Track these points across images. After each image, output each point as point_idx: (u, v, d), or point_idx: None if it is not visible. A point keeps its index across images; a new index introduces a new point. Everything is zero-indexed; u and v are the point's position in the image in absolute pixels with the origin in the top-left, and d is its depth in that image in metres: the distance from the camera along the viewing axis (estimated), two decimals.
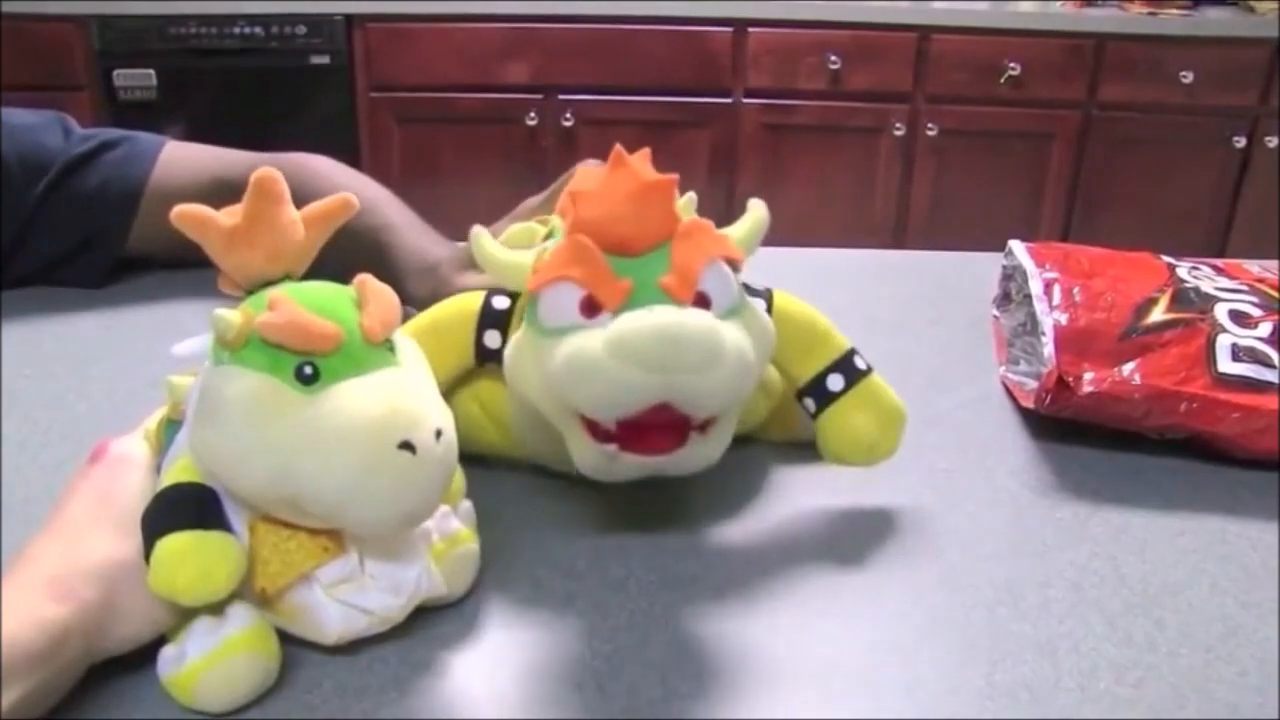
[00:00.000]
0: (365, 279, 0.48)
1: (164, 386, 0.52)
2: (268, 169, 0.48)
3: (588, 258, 0.51)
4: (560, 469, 0.64)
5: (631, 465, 0.53)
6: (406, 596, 0.50)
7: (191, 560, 0.45)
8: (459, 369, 0.61)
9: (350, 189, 0.89)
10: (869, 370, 0.63)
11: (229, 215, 0.48)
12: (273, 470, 0.45)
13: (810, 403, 0.63)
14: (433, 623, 0.52)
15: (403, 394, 0.46)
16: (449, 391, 0.61)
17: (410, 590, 0.50)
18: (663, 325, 0.49)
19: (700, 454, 0.54)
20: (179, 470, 0.48)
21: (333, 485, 0.45)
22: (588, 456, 0.54)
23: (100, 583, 0.46)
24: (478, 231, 0.55)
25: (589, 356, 0.49)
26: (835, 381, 0.62)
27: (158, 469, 0.51)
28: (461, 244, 0.84)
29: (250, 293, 0.49)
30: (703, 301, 0.52)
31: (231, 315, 0.45)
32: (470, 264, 0.74)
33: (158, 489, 0.48)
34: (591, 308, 0.51)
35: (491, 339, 0.60)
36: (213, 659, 0.46)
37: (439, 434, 0.46)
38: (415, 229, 0.84)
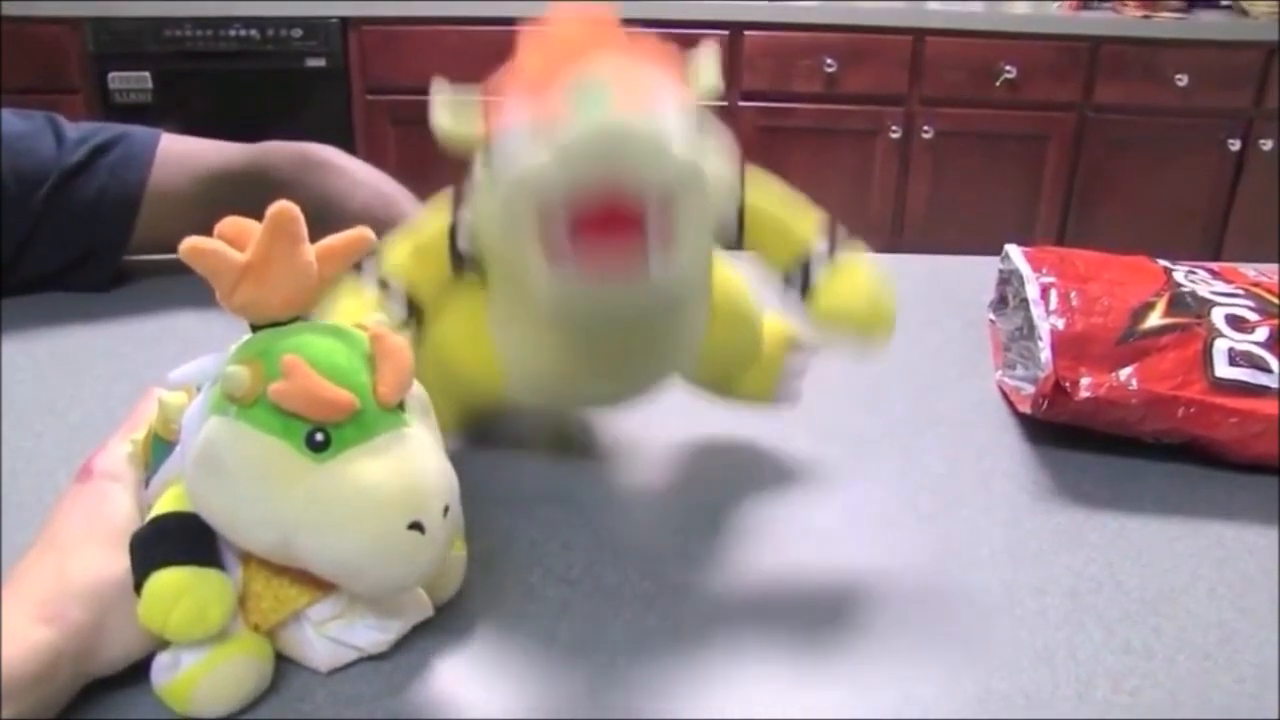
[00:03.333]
0: (382, 335, 0.47)
1: (161, 400, 0.51)
2: (286, 204, 0.45)
3: (535, 90, 0.50)
4: (542, 392, 0.63)
5: (593, 293, 0.51)
6: (394, 632, 0.50)
7: (186, 598, 0.44)
8: (441, 281, 0.60)
9: (365, 181, 0.89)
10: (843, 242, 0.61)
11: (237, 236, 0.46)
12: (277, 537, 0.44)
13: (795, 283, 0.61)
14: (426, 631, 0.52)
15: (414, 469, 0.45)
16: (433, 311, 0.61)
17: (400, 626, 0.50)
18: (603, 119, 0.47)
19: (663, 275, 0.51)
20: (172, 499, 0.47)
21: (338, 559, 0.44)
22: (548, 287, 0.51)
23: (90, 603, 0.45)
24: (437, 99, 0.54)
25: (533, 166, 0.48)
26: (816, 260, 0.60)
27: (145, 482, 0.50)
28: None
29: (256, 328, 0.47)
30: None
31: (242, 373, 0.44)
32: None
33: (149, 514, 0.48)
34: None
35: (468, 268, 0.59)
36: (208, 664, 0.46)
37: (446, 510, 0.46)
38: None
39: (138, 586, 0.45)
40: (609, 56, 0.51)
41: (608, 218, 0.48)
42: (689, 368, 0.65)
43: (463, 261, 0.60)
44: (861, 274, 0.61)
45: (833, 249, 0.61)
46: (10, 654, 0.42)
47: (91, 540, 0.47)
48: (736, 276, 0.64)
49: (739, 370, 0.67)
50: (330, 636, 0.48)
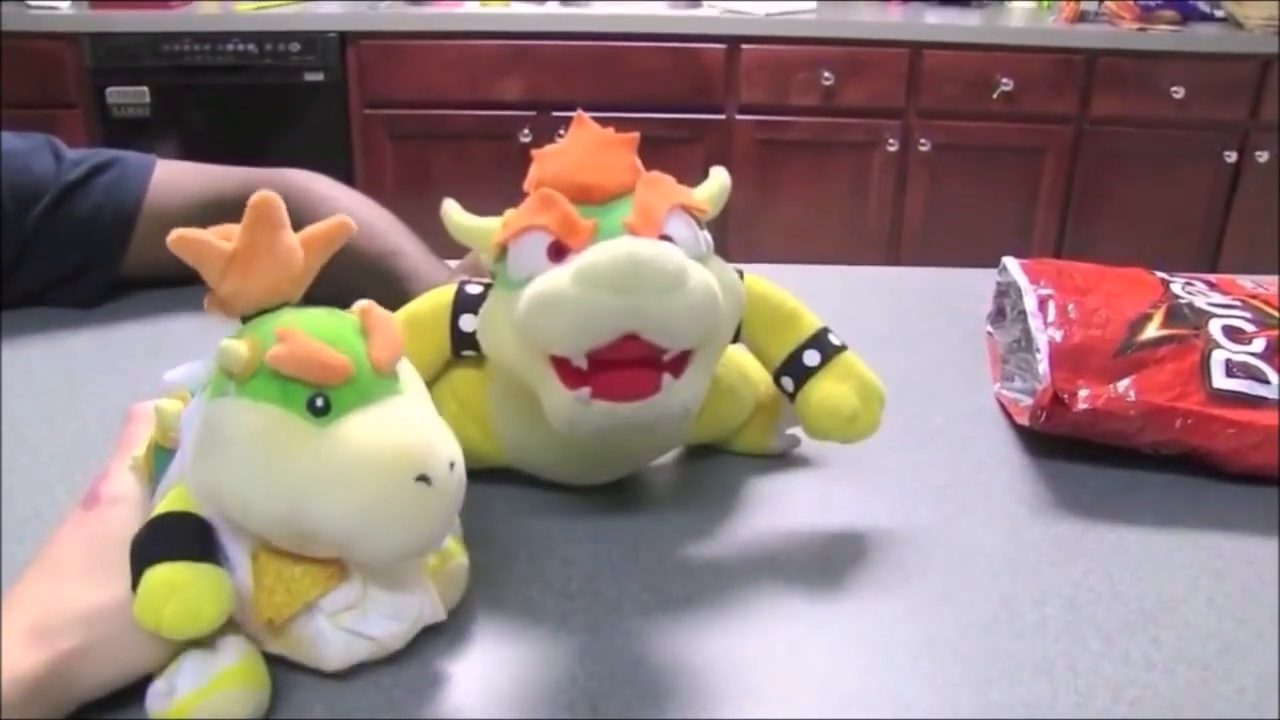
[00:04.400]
0: (369, 307, 0.48)
1: (154, 411, 0.51)
2: (267, 193, 0.47)
3: (553, 205, 0.52)
4: (540, 470, 0.64)
5: (604, 412, 0.52)
6: (409, 623, 0.49)
7: (180, 594, 0.44)
8: (437, 361, 0.61)
9: (352, 211, 0.89)
10: (844, 346, 0.63)
11: (223, 234, 0.47)
12: (286, 505, 0.44)
13: (788, 381, 0.63)
14: (425, 644, 0.52)
15: (416, 426, 0.46)
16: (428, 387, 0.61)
17: (413, 617, 0.50)
18: (627, 249, 0.49)
19: (674, 399, 0.53)
20: (172, 499, 0.47)
21: (348, 519, 0.44)
22: (560, 405, 0.53)
23: (79, 630, 0.45)
24: (447, 204, 0.56)
25: (555, 289, 0.50)
26: (811, 357, 0.62)
27: (152, 494, 0.50)
28: (454, 261, 0.85)
29: (245, 319, 0.48)
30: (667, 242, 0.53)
31: (239, 346, 0.44)
32: (473, 272, 0.74)
33: (149, 517, 0.48)
34: (559, 252, 0.52)
35: (466, 323, 0.60)
36: (203, 693, 0.45)
37: (452, 465, 0.46)
38: (424, 255, 0.84)
39: (136, 586, 0.45)
40: (623, 179, 0.54)
41: (626, 350, 0.50)
42: (682, 442, 0.68)
43: (463, 344, 0.60)
44: (849, 375, 0.62)
45: (824, 353, 0.62)
46: None
47: (88, 565, 0.47)
48: (725, 349, 0.65)
49: (732, 434, 0.69)
50: (345, 628, 0.48)
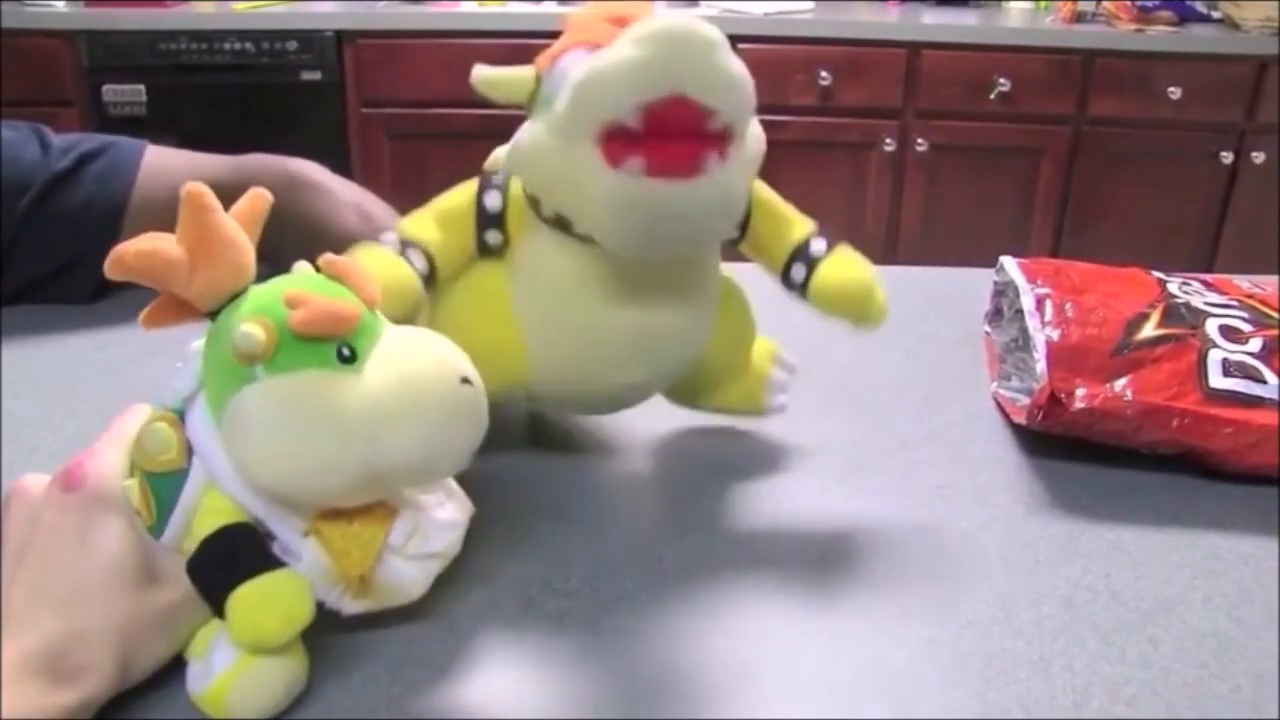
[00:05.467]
0: (329, 259, 0.48)
1: (152, 436, 0.47)
2: (194, 184, 0.45)
3: (589, 25, 0.54)
4: (564, 381, 0.62)
5: (655, 196, 0.52)
6: (460, 526, 0.52)
7: (272, 605, 0.46)
8: (464, 252, 0.61)
9: (346, 198, 0.89)
10: (841, 240, 0.64)
11: (150, 240, 0.45)
12: (363, 450, 0.44)
13: (799, 268, 0.63)
14: (424, 644, 0.52)
15: (431, 344, 0.48)
16: (450, 291, 0.62)
17: (460, 518, 0.52)
18: (675, 15, 0.50)
19: (720, 182, 0.53)
20: (212, 513, 0.47)
21: (423, 439, 0.45)
22: (611, 188, 0.52)
23: (113, 653, 0.44)
24: (477, 67, 0.57)
25: (610, 55, 0.50)
26: (818, 245, 0.63)
27: (154, 531, 0.48)
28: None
29: (213, 315, 0.47)
30: None
31: (255, 330, 0.44)
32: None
33: (199, 536, 0.47)
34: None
35: (493, 237, 0.60)
36: (240, 667, 0.46)
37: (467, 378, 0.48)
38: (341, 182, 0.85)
39: (219, 611, 0.46)
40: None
41: (675, 115, 0.50)
42: (700, 353, 0.65)
43: (488, 228, 0.60)
44: (856, 260, 0.63)
45: (829, 241, 0.63)
46: None
47: (102, 581, 0.45)
48: (738, 287, 0.67)
49: (730, 378, 0.69)
50: (413, 555, 0.50)
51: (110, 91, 2.47)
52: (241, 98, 2.50)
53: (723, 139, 0.52)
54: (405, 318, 0.55)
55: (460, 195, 0.61)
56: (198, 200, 0.45)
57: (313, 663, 0.49)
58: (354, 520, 0.48)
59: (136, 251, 0.44)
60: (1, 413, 0.72)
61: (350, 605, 0.50)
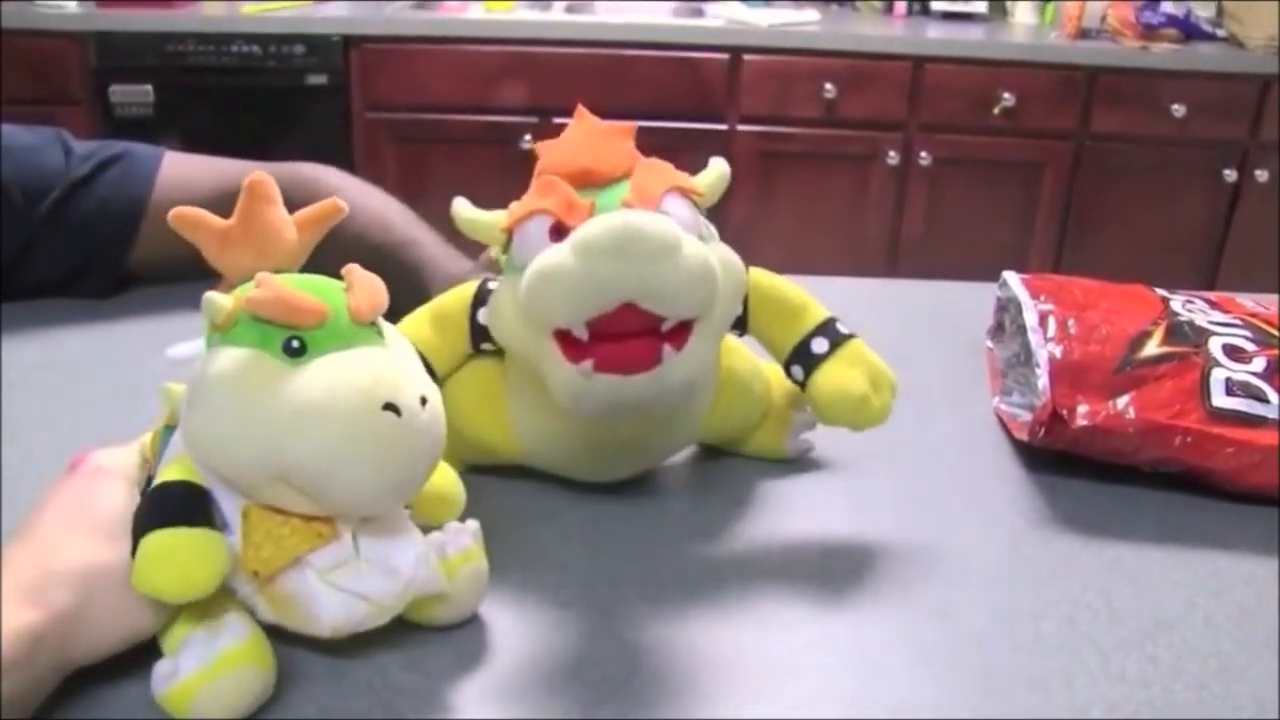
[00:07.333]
0: (352, 268, 0.49)
1: (161, 394, 0.52)
2: (260, 173, 0.49)
3: (553, 189, 0.54)
4: (554, 466, 0.65)
5: (607, 386, 0.53)
6: (404, 582, 0.49)
7: (174, 559, 0.45)
8: (459, 353, 0.63)
9: (364, 203, 0.89)
10: (852, 335, 0.64)
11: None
12: (263, 444, 0.45)
13: (798, 370, 0.63)
14: (420, 649, 0.52)
15: (386, 363, 0.47)
16: (449, 380, 0.63)
17: (408, 575, 0.49)
18: (621, 218, 0.50)
19: (675, 372, 0.53)
20: (171, 469, 0.49)
21: (319, 452, 0.45)
22: (564, 382, 0.54)
23: (74, 588, 0.46)
24: (457, 201, 0.59)
25: (555, 263, 0.51)
26: (819, 344, 0.63)
27: (149, 480, 0.50)
28: (471, 263, 0.85)
29: None
30: None
31: (220, 297, 0.46)
32: (490, 269, 0.75)
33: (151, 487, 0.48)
34: (560, 233, 0.53)
35: (484, 315, 0.61)
36: (208, 673, 0.46)
37: (424, 401, 0.47)
38: (438, 244, 0.85)
39: (135, 554, 0.46)
40: (621, 164, 0.56)
41: (625, 321, 0.51)
42: (696, 438, 0.68)
43: (481, 336, 0.62)
44: (857, 363, 0.63)
45: (833, 340, 0.63)
46: None
47: (78, 527, 0.48)
48: (739, 346, 0.66)
49: (745, 434, 0.69)
50: (337, 585, 0.48)
51: (117, 92, 2.47)
52: (248, 100, 2.50)
53: (679, 333, 0.53)
54: None
55: (456, 300, 0.63)
56: (255, 187, 0.49)
57: (304, 665, 0.49)
58: (288, 522, 0.48)
59: (188, 212, 0.50)
60: (1, 413, 0.72)
61: (262, 610, 0.49)
